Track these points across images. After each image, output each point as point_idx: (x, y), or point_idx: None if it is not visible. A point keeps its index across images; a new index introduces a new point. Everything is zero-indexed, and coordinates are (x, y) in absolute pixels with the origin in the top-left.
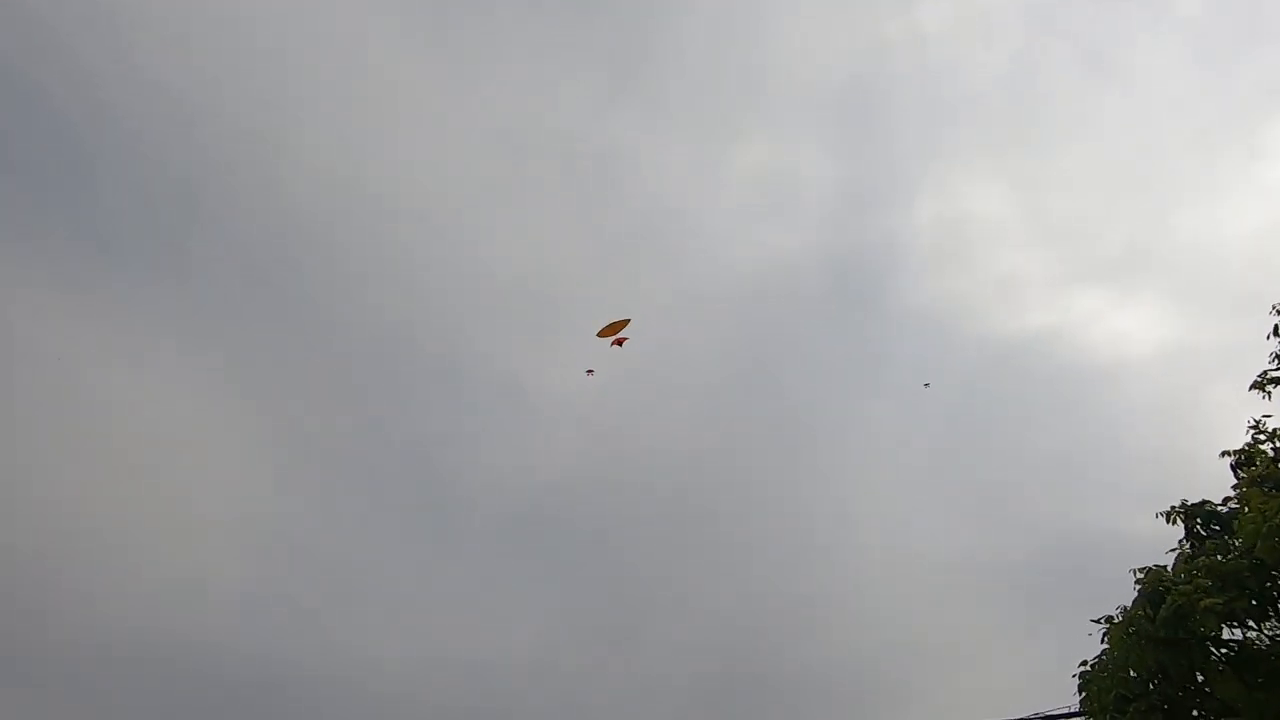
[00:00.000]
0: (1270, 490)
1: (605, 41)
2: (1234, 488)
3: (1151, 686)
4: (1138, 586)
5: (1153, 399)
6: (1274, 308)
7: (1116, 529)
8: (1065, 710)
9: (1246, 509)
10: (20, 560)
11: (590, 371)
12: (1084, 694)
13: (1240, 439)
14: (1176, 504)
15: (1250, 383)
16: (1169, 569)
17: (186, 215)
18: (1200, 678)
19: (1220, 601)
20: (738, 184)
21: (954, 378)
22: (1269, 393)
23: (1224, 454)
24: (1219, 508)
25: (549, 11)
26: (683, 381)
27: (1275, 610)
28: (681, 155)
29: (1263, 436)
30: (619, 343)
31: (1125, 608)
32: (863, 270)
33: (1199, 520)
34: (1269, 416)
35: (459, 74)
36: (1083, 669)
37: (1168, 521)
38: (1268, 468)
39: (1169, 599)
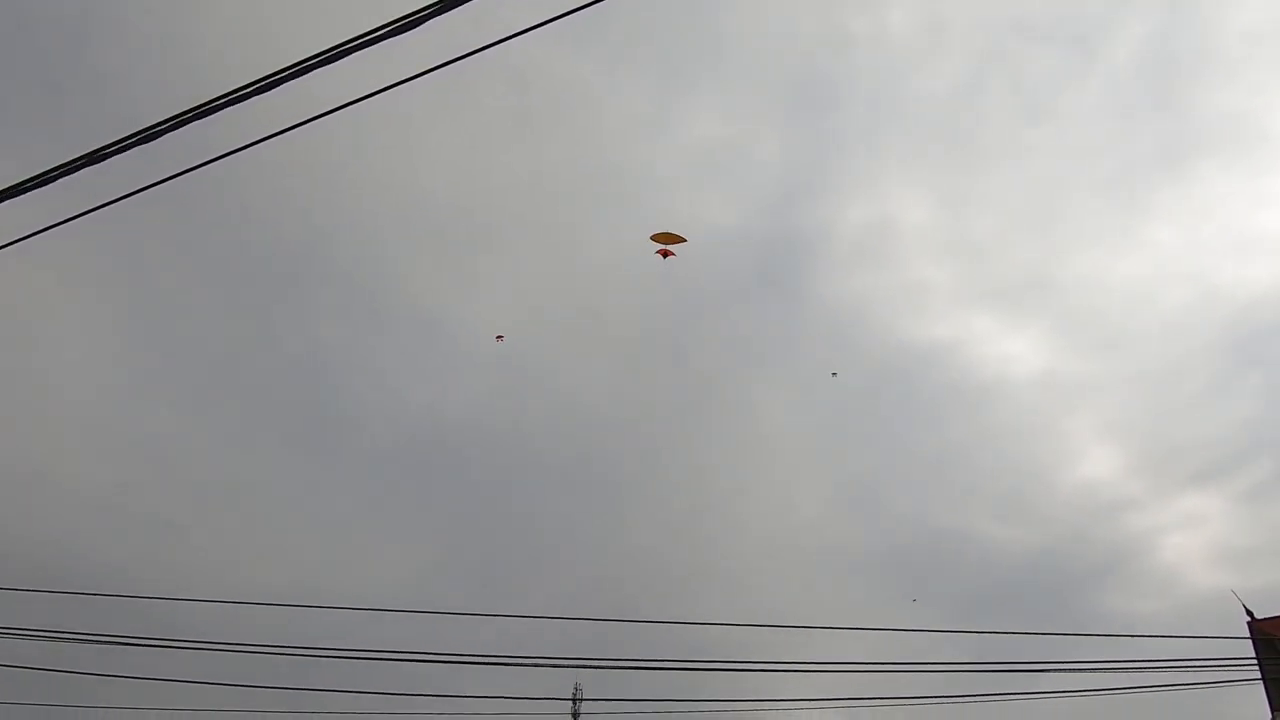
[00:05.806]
0: None
1: None
2: None
3: None
4: None
5: (1019, 420)
6: None
7: (968, 532)
8: None
9: None
10: None
11: (500, 338)
12: None
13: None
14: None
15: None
16: None
17: (69, 72)
18: None
19: None
20: (684, 150)
21: (853, 374)
22: None
23: None
24: None
25: None
26: (600, 337)
27: None
28: (634, 109)
29: None
30: (665, 253)
31: None
32: (788, 255)
33: None
34: None
35: None
36: None
37: None
38: None
39: None
